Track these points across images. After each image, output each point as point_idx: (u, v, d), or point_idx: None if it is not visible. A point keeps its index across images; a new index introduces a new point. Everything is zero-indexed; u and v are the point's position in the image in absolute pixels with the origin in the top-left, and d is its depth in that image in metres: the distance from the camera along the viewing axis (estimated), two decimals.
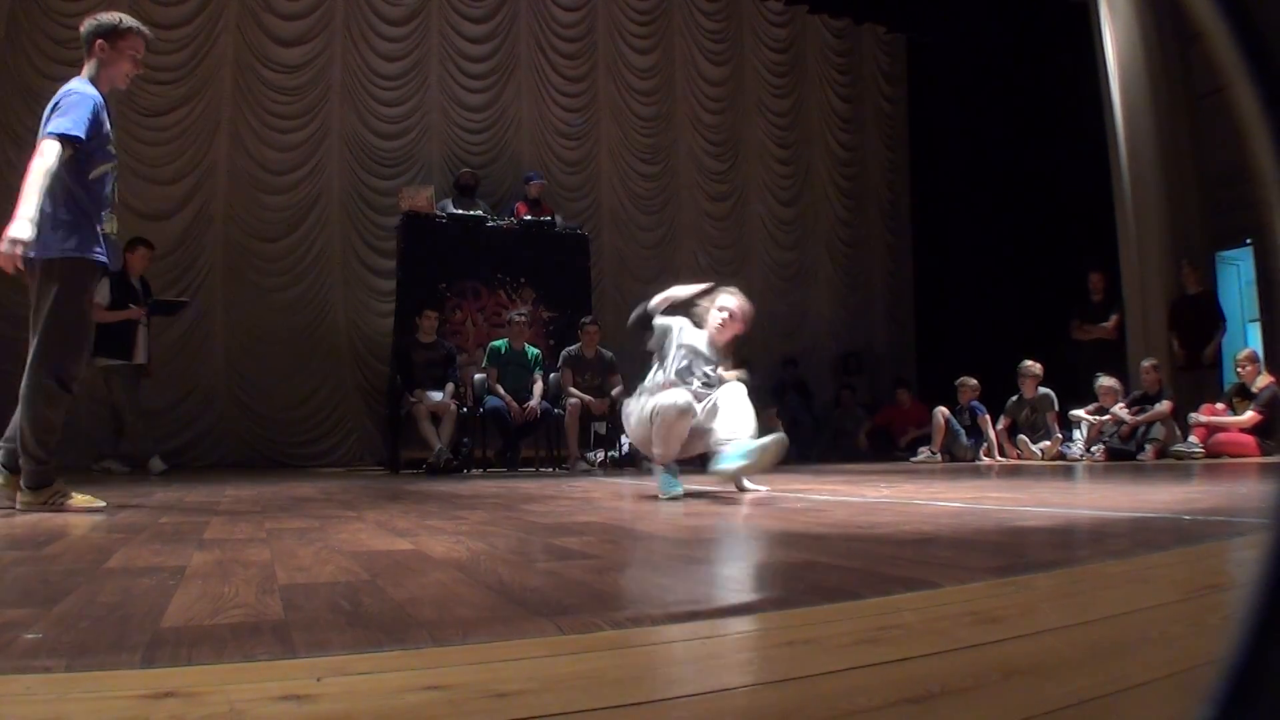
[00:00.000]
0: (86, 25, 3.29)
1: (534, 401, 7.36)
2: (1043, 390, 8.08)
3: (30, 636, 1.08)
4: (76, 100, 3.09)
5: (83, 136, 3.06)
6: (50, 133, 3.02)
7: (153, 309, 6.64)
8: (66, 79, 3.30)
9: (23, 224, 2.90)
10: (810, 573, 1.69)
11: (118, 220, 3.44)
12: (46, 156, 2.99)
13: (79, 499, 3.13)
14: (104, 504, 3.18)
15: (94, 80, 3.25)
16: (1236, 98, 0.47)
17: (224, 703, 0.82)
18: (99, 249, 3.17)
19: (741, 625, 1.22)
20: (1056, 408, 8.00)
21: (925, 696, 0.87)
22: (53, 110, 3.10)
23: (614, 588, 1.51)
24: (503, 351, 7.54)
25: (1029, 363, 8.05)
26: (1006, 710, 0.84)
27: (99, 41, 3.25)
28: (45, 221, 3.03)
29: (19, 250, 2.90)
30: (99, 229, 3.20)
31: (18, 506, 3.07)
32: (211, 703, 0.82)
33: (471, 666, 0.96)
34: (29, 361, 3.08)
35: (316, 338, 8.65)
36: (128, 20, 3.32)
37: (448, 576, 1.61)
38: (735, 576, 1.64)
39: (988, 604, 1.39)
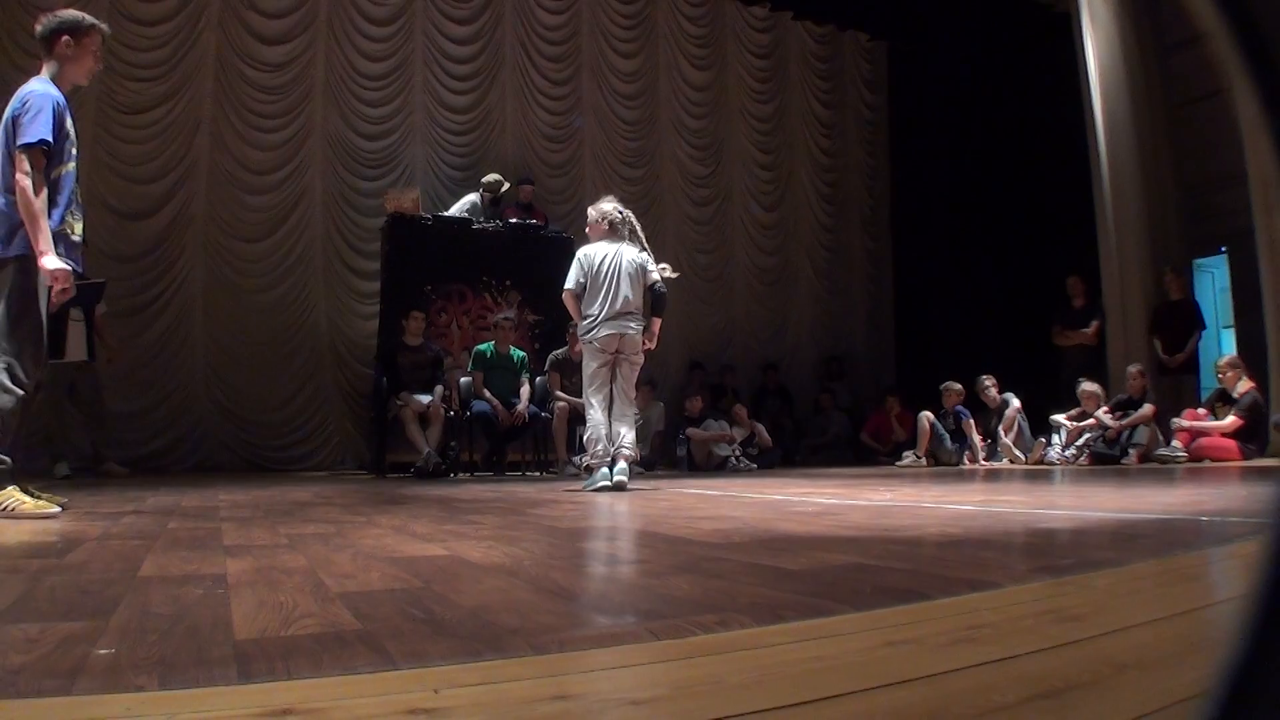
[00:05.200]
0: (46, 22, 3.27)
1: (521, 406, 7.30)
2: (997, 396, 8.32)
3: (103, 652, 1.03)
4: (38, 104, 3.09)
5: (50, 140, 3.08)
6: (23, 144, 3.03)
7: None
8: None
9: (50, 257, 3.04)
10: (865, 575, 1.67)
11: (83, 221, 3.39)
12: (28, 171, 3.03)
13: (29, 504, 3.04)
14: (57, 509, 3.07)
15: (55, 79, 3.22)
16: (1237, 98, 0.47)
17: (349, 719, 0.78)
18: (57, 247, 3.14)
19: (830, 627, 1.20)
20: (1013, 405, 8.18)
21: (1055, 692, 0.88)
22: (14, 118, 3.09)
23: (678, 591, 1.48)
24: (488, 355, 7.46)
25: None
26: (1135, 703, 0.84)
27: (64, 38, 3.23)
28: (6, 221, 3.07)
29: (64, 279, 3.06)
30: (57, 228, 3.18)
31: None
32: (335, 719, 0.78)
33: (589, 675, 0.92)
34: None
35: (298, 340, 8.50)
36: (89, 17, 3.34)
37: (503, 582, 1.56)
38: (792, 579, 1.61)
39: (1060, 602, 1.39)
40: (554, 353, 7.68)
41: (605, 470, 4.76)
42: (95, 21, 3.33)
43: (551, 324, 8.30)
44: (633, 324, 4.98)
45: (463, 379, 7.51)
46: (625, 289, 4.96)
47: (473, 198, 8.60)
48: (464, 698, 0.84)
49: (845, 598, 1.38)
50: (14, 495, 3.02)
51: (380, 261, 8.30)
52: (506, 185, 8.68)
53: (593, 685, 0.88)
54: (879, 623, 1.21)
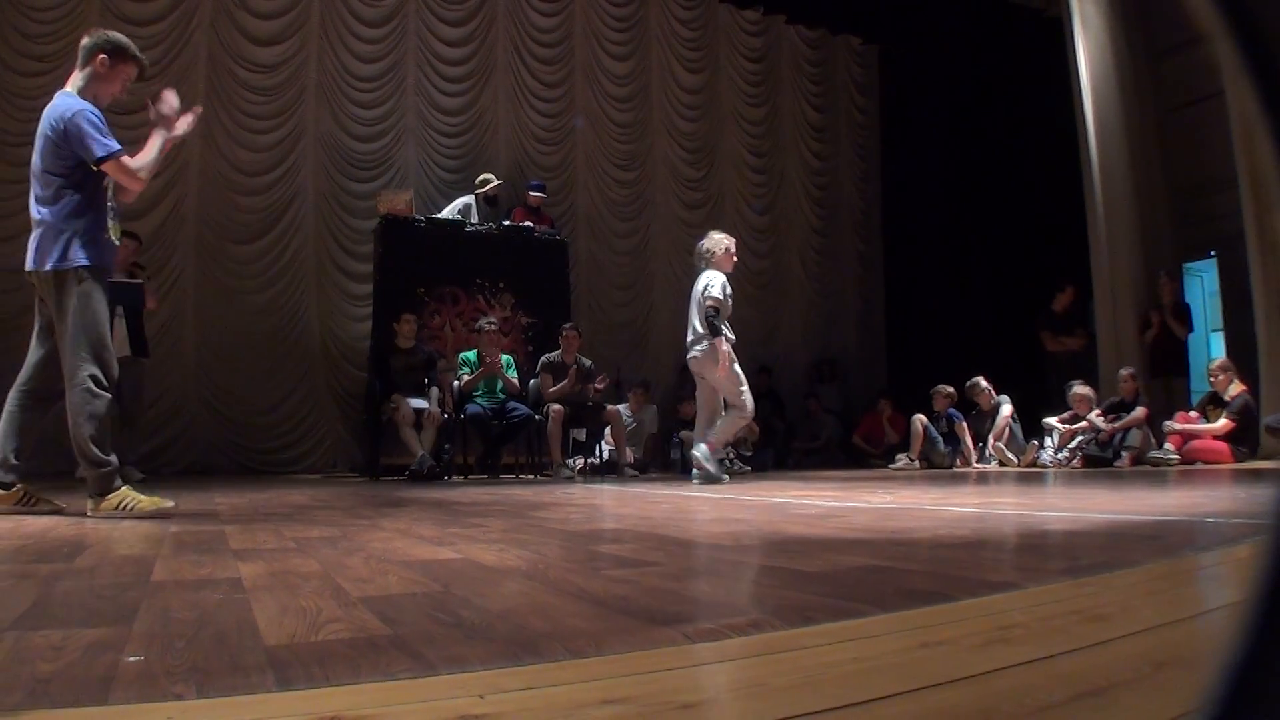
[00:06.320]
0: (94, 37, 3.30)
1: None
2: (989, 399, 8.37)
3: (132, 660, 1.01)
4: (83, 122, 3.12)
5: (118, 146, 3.16)
6: (105, 155, 3.10)
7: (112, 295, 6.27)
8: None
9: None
10: (883, 576, 1.67)
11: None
12: (127, 169, 3.16)
13: (146, 501, 3.15)
14: (172, 504, 3.20)
15: (81, 92, 3.25)
16: (1234, 97, 0.48)
17: None
18: (106, 256, 3.25)
19: (861, 629, 1.19)
20: (1003, 413, 8.23)
21: (1099, 690, 0.88)
22: (59, 138, 3.12)
23: (702, 594, 1.47)
24: (473, 362, 7.44)
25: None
26: (1181, 699, 0.84)
27: (101, 56, 3.26)
28: (57, 234, 3.12)
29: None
30: (104, 236, 3.25)
31: (89, 513, 3.10)
32: None
33: (632, 678, 0.91)
34: (67, 371, 3.12)
35: (289, 342, 8.46)
36: (135, 48, 3.38)
37: (524, 586, 1.55)
38: (812, 581, 1.61)
39: (1085, 602, 1.39)
40: (546, 356, 7.68)
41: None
42: (139, 55, 3.39)
43: (544, 326, 8.29)
44: (696, 349, 5.82)
45: (455, 381, 7.49)
46: (693, 318, 5.85)
47: (467, 199, 8.57)
48: (511, 703, 0.83)
49: (870, 599, 1.38)
50: (130, 494, 3.12)
51: (373, 263, 8.26)
52: (496, 182, 8.65)
53: (639, 689, 0.87)
54: (908, 624, 1.21)
